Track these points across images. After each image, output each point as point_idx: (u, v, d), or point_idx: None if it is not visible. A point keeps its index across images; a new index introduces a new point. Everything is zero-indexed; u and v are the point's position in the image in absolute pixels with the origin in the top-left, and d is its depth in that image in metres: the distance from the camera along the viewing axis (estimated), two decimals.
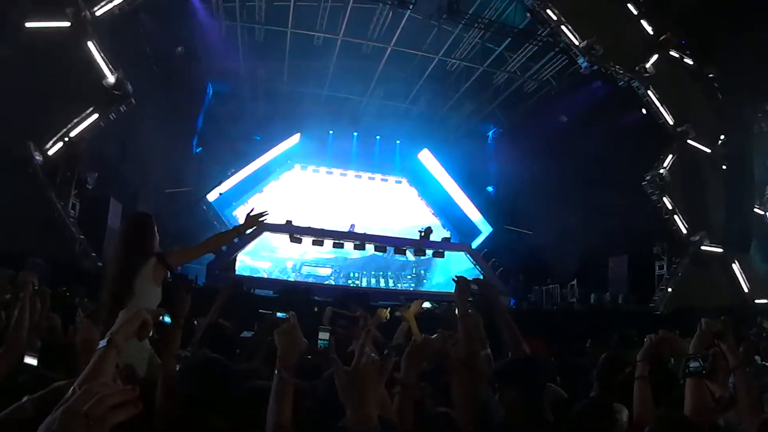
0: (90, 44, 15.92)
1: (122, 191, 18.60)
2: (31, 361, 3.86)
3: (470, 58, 25.50)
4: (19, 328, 3.62)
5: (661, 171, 20.34)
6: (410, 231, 27.92)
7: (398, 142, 32.64)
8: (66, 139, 15.46)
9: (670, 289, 19.60)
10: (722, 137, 21.69)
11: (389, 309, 7.04)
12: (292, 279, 26.91)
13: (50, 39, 15.24)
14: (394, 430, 2.78)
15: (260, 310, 14.17)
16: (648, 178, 20.39)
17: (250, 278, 23.42)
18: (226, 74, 26.00)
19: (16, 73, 14.47)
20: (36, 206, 14.69)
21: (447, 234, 30.07)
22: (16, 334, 3.60)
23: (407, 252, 26.44)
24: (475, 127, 31.54)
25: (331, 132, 31.53)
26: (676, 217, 20.41)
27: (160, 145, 20.90)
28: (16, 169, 14.42)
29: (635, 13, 21.74)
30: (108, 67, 16.11)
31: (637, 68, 20.82)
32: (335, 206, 30.42)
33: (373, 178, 33.36)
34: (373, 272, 30.33)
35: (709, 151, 21.55)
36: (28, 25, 15.10)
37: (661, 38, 21.48)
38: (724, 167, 21.47)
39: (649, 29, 21.74)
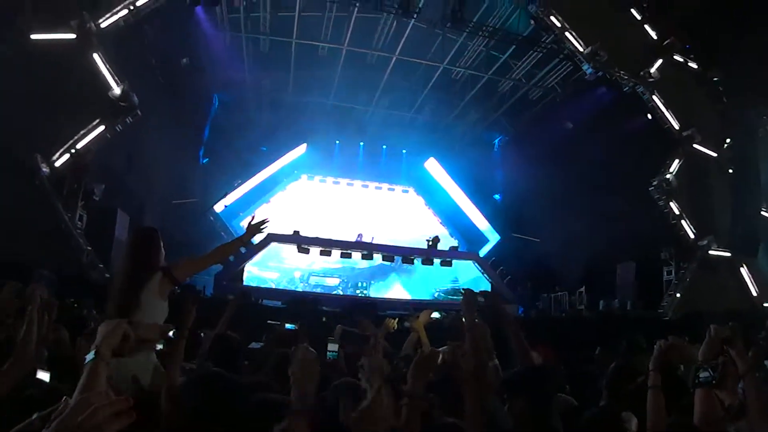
0: (95, 56, 16.00)
1: (129, 202, 18.65)
2: (43, 375, 3.86)
3: (475, 66, 25.49)
4: (27, 341, 3.61)
5: (668, 176, 20.27)
6: (418, 240, 27.90)
7: (404, 151, 32.58)
8: (73, 150, 15.52)
9: (678, 295, 19.53)
10: (728, 141, 21.63)
11: (397, 319, 7.02)
12: (300, 289, 26.90)
13: (56, 51, 15.30)
14: None
15: (269, 321, 14.21)
16: (654, 183, 20.33)
17: (258, 289, 23.44)
18: (232, 85, 26.06)
19: (22, 86, 14.54)
20: (43, 218, 14.73)
21: (455, 243, 29.98)
22: (24, 347, 3.58)
23: (415, 261, 26.42)
24: (481, 135, 31.50)
25: (337, 142, 31.52)
26: (683, 222, 20.34)
27: (166, 156, 20.93)
28: (23, 180, 14.49)
29: (639, 18, 21.71)
30: (114, 78, 16.17)
31: (641, 73, 20.79)
32: (342, 216, 30.37)
33: (380, 188, 33.28)
34: (380, 282, 30.31)
35: (714, 155, 21.49)
36: (33, 37, 15.17)
37: (665, 43, 21.45)
38: (730, 171, 21.40)
39: (653, 34, 21.71)
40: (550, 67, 24.80)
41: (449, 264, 25.98)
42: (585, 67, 20.59)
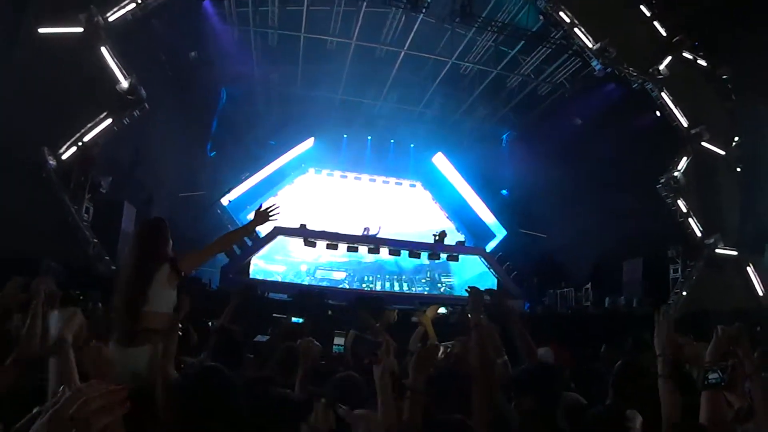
0: (103, 49, 15.96)
1: (136, 195, 18.68)
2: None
3: (484, 61, 25.45)
4: (31, 334, 3.61)
5: (676, 173, 20.19)
6: (424, 235, 27.84)
7: (412, 145, 32.54)
8: (80, 143, 15.51)
9: (684, 293, 19.46)
10: (736, 139, 21.55)
11: (396, 311, 7.04)
12: (306, 283, 26.94)
13: (63, 44, 15.30)
14: None
15: (274, 314, 14.22)
16: (662, 180, 20.24)
17: (264, 282, 23.48)
18: (240, 79, 26.03)
19: (30, 79, 14.57)
20: (50, 210, 14.74)
21: (461, 237, 29.92)
22: (28, 340, 3.59)
23: (421, 256, 26.42)
24: (489, 130, 31.39)
25: (345, 136, 31.50)
26: (690, 220, 20.24)
27: (173, 150, 20.96)
28: (30, 173, 14.50)
29: (648, 14, 21.60)
30: (121, 72, 16.15)
31: (650, 70, 20.69)
32: (349, 210, 30.39)
33: (387, 182, 33.25)
34: (387, 276, 30.32)
35: (723, 153, 21.36)
36: (41, 31, 15.17)
37: (675, 40, 21.36)
38: (738, 169, 21.34)
39: (662, 31, 21.62)
40: (559, 62, 24.75)
41: (456, 259, 26.00)
42: (594, 63, 20.52)
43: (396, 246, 25.30)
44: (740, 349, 3.34)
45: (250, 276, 23.05)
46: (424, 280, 30.65)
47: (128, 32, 16.89)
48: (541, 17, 21.23)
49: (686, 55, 21.70)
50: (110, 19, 16.17)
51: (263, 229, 23.19)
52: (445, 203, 33.32)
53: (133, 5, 16.52)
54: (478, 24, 22.18)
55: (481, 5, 21.76)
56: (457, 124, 31.10)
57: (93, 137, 15.75)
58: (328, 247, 24.70)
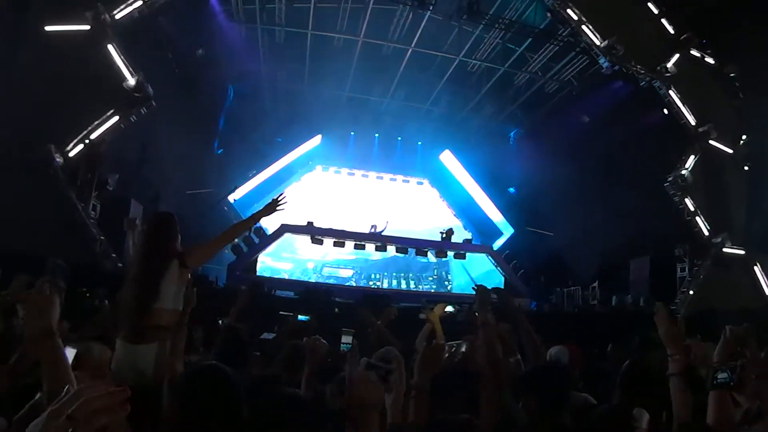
0: (110, 47, 15.99)
1: (143, 193, 18.69)
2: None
3: (491, 58, 25.40)
4: None
5: (683, 172, 20.14)
6: (432, 232, 27.82)
7: (419, 143, 32.54)
8: (87, 141, 15.52)
9: (691, 292, 19.41)
10: (744, 137, 21.49)
11: (396, 308, 7.04)
12: (313, 280, 26.95)
13: (70, 42, 15.33)
14: None
15: (281, 312, 14.23)
16: (670, 178, 20.19)
17: (271, 279, 23.47)
18: (247, 76, 26.07)
19: (36, 76, 14.62)
20: (57, 208, 14.78)
21: (468, 235, 29.95)
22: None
23: (428, 253, 26.42)
24: (497, 128, 31.40)
25: (352, 133, 31.52)
26: (698, 218, 20.18)
27: (180, 147, 20.94)
28: (37, 171, 14.52)
29: (656, 12, 21.55)
30: (128, 69, 16.18)
31: (658, 68, 20.64)
32: (356, 208, 30.39)
33: (395, 180, 33.27)
34: (394, 274, 30.34)
35: (731, 151, 21.31)
36: (48, 28, 15.20)
37: (682, 37, 21.30)
38: (746, 167, 21.28)
39: (670, 28, 21.57)
40: (566, 60, 24.72)
41: (463, 257, 25.98)
42: (601, 60, 20.46)
43: (403, 244, 25.28)
44: (748, 349, 3.32)
45: (257, 273, 23.07)
46: (431, 278, 30.66)
47: (135, 30, 16.93)
48: (549, 14, 21.23)
49: (694, 52, 21.64)
50: (117, 17, 16.23)
51: (270, 227, 23.22)
52: (453, 201, 33.29)
53: (139, 3, 16.56)
54: (486, 21, 22.15)
55: (488, 2, 21.79)
56: (464, 121, 31.08)
57: (100, 135, 15.78)
58: (335, 244, 24.68)
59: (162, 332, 4.24)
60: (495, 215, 31.66)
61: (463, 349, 5.07)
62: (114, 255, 15.37)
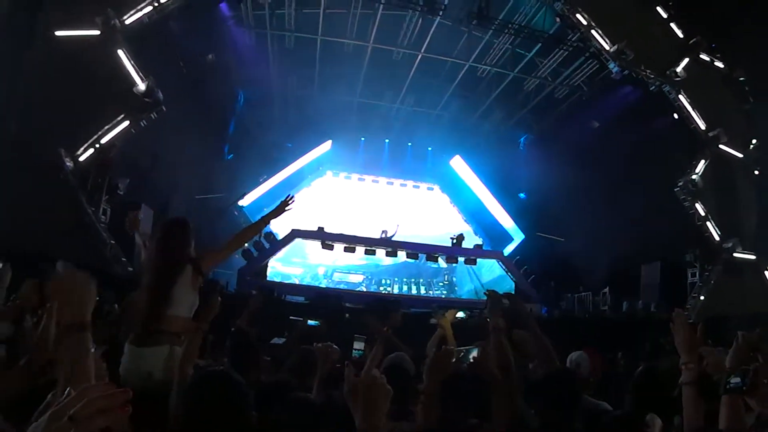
0: (120, 52, 16.05)
1: (153, 197, 18.70)
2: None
3: (501, 64, 25.32)
4: (45, 337, 3.59)
5: (693, 176, 20.12)
6: (442, 238, 27.83)
7: (430, 148, 32.50)
8: (97, 145, 15.57)
9: (702, 297, 19.34)
10: (754, 141, 21.45)
11: (402, 314, 7.05)
12: (323, 286, 26.99)
13: (81, 47, 15.38)
14: None
15: (291, 317, 14.21)
16: (680, 183, 20.16)
17: (281, 284, 23.50)
18: (257, 82, 26.07)
19: (47, 81, 14.64)
20: (67, 212, 14.82)
21: (479, 241, 29.85)
22: (42, 342, 3.56)
23: (439, 259, 26.40)
24: (507, 133, 31.30)
25: (362, 139, 31.50)
26: (708, 223, 20.13)
27: (191, 152, 20.97)
28: (47, 175, 14.56)
29: (665, 16, 21.55)
30: (138, 74, 16.24)
31: (668, 72, 20.62)
32: (367, 213, 30.37)
33: (405, 185, 33.29)
34: (404, 279, 30.32)
35: (741, 155, 21.27)
36: (58, 33, 15.26)
37: (691, 41, 21.28)
38: (756, 172, 21.22)
39: (679, 32, 21.54)
40: (576, 65, 24.59)
41: (473, 262, 25.96)
42: (611, 65, 20.44)
43: (413, 249, 25.27)
44: (761, 354, 3.29)
45: (268, 278, 23.08)
46: (441, 284, 30.64)
47: (145, 35, 16.97)
48: (558, 20, 21.14)
49: (703, 57, 21.63)
50: (127, 22, 16.32)
51: (281, 232, 23.24)
52: (463, 206, 33.25)
53: (149, 8, 16.64)
54: (495, 26, 22.14)
55: (497, 8, 21.78)
56: (474, 127, 31.00)
57: (110, 139, 15.84)
58: (346, 249, 24.69)
59: (170, 337, 4.23)
60: (505, 221, 31.59)
61: (474, 354, 5.06)
62: (124, 259, 15.41)
